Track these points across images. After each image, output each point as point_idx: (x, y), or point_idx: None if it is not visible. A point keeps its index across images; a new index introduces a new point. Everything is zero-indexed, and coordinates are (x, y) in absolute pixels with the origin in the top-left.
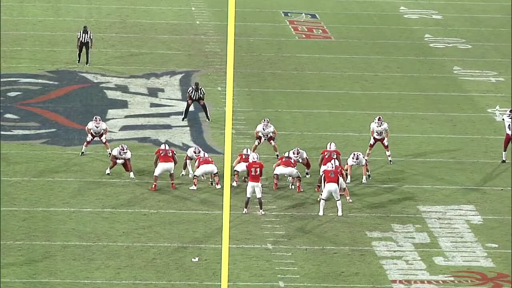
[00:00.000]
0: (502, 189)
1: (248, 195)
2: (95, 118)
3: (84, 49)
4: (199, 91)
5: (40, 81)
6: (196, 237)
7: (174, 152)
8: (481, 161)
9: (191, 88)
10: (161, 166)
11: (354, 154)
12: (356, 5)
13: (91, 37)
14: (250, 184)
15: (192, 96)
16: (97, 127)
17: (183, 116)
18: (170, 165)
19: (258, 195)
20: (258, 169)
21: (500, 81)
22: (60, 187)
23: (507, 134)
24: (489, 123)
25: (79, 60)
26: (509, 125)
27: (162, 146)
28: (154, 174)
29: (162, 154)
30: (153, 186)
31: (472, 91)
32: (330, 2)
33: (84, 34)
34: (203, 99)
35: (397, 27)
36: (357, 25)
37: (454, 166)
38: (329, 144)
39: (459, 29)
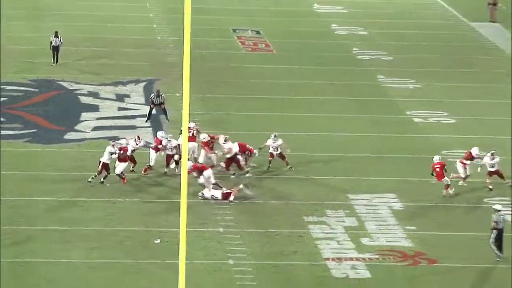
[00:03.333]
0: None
1: None
2: (162, 133)
3: (55, 52)
4: (160, 97)
5: (22, 88)
6: (158, 221)
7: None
8: (401, 156)
9: (153, 94)
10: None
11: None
12: (294, 23)
13: (61, 41)
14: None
15: (154, 101)
16: (169, 140)
17: (146, 118)
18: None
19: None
20: None
21: (417, 87)
22: (41, 180)
23: None
24: (409, 124)
25: (53, 61)
26: None
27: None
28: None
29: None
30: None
31: (394, 96)
32: (272, 20)
33: (55, 38)
34: (163, 104)
35: (329, 41)
36: (295, 40)
37: (379, 160)
38: None
39: (382, 43)
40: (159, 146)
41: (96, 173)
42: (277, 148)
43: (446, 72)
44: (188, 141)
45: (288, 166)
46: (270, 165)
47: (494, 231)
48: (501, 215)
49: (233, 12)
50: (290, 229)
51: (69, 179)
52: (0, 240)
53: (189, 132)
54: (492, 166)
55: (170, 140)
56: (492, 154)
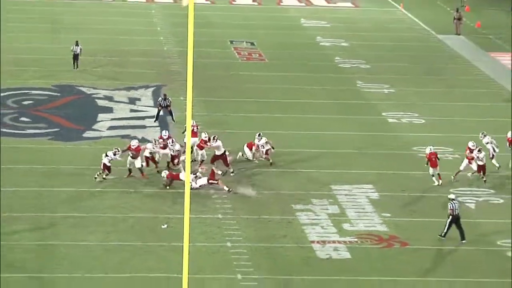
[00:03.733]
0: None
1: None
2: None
3: (76, 59)
4: (167, 100)
5: (46, 92)
6: (165, 209)
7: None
8: (377, 152)
9: (161, 97)
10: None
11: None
12: (283, 35)
13: (81, 48)
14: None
15: (161, 104)
16: (173, 144)
17: (155, 118)
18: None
19: None
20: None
21: (391, 92)
22: (62, 173)
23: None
24: (385, 123)
25: (73, 67)
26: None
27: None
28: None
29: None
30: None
31: (371, 99)
32: (264, 33)
33: (76, 47)
34: (169, 106)
35: (315, 51)
36: (284, 50)
37: (358, 156)
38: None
39: (361, 53)
40: (160, 140)
41: (99, 172)
42: (262, 145)
43: (417, 78)
44: (191, 137)
45: (270, 162)
46: (271, 161)
47: (451, 217)
48: (455, 202)
49: (230, 26)
50: (280, 216)
51: (87, 172)
52: (0, 227)
53: (191, 128)
54: (481, 160)
55: (174, 144)
56: (479, 150)
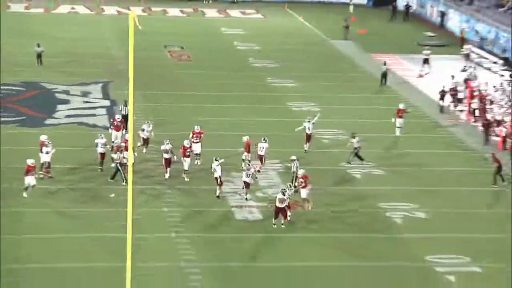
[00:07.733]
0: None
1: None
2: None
3: (39, 57)
4: (127, 107)
5: (15, 88)
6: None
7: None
8: (284, 134)
9: (121, 106)
10: None
11: None
12: (207, 41)
13: (43, 49)
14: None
15: (123, 113)
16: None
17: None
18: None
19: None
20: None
21: (295, 86)
22: (27, 153)
23: (307, 133)
24: (288, 112)
25: (37, 63)
26: (308, 127)
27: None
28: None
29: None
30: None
31: (278, 92)
32: (191, 39)
33: (37, 48)
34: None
35: (233, 54)
36: (208, 53)
37: (268, 137)
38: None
39: (270, 55)
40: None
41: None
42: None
43: (315, 75)
44: (116, 130)
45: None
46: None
47: (293, 175)
48: (297, 161)
49: (165, 34)
50: (207, 186)
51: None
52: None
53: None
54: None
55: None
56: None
